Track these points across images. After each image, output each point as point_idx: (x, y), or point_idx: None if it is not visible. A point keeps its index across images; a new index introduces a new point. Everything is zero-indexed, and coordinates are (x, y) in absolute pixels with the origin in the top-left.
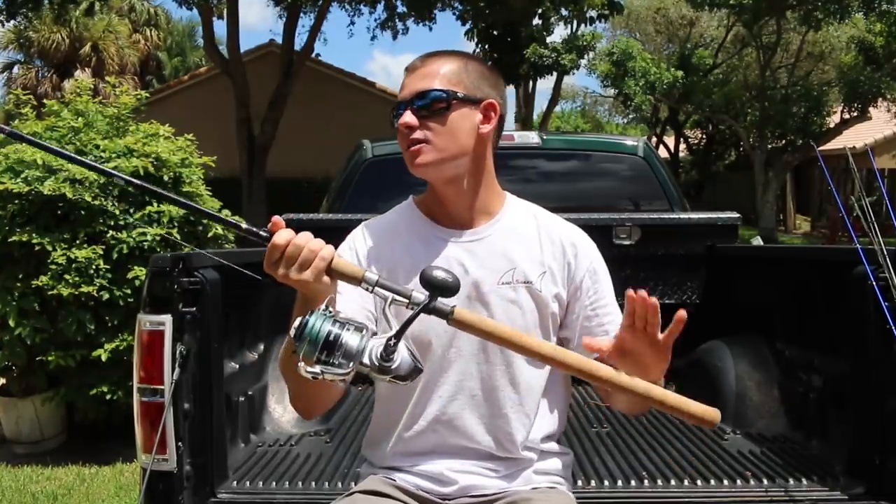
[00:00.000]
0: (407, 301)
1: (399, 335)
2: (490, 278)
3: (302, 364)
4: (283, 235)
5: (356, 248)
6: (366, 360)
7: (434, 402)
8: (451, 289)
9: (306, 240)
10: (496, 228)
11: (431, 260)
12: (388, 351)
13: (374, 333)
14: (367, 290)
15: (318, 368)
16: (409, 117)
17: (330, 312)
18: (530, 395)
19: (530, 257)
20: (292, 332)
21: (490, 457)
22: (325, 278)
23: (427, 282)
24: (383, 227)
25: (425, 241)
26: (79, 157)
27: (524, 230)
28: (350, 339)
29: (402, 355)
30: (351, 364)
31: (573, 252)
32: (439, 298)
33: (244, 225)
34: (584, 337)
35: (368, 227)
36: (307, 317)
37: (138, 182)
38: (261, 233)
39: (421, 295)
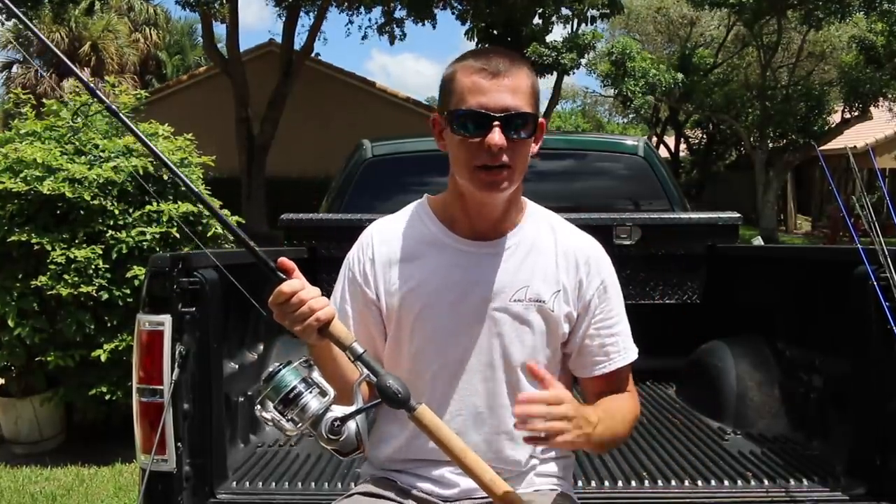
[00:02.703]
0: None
1: (345, 420)
2: (502, 295)
3: (258, 407)
4: (291, 285)
5: (363, 258)
6: (317, 427)
7: (440, 415)
8: (399, 402)
9: (310, 296)
10: (515, 241)
11: (445, 275)
12: (336, 427)
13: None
14: (349, 358)
15: (269, 416)
16: (501, 139)
17: (307, 365)
18: None
19: (545, 275)
20: (265, 374)
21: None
22: (316, 335)
23: (381, 389)
24: (396, 234)
25: (441, 253)
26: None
27: (542, 244)
28: (311, 401)
29: (349, 433)
30: (301, 425)
31: (586, 270)
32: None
33: (264, 255)
34: (529, 362)
35: (381, 234)
36: (282, 367)
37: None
38: (278, 274)
39: (394, 382)
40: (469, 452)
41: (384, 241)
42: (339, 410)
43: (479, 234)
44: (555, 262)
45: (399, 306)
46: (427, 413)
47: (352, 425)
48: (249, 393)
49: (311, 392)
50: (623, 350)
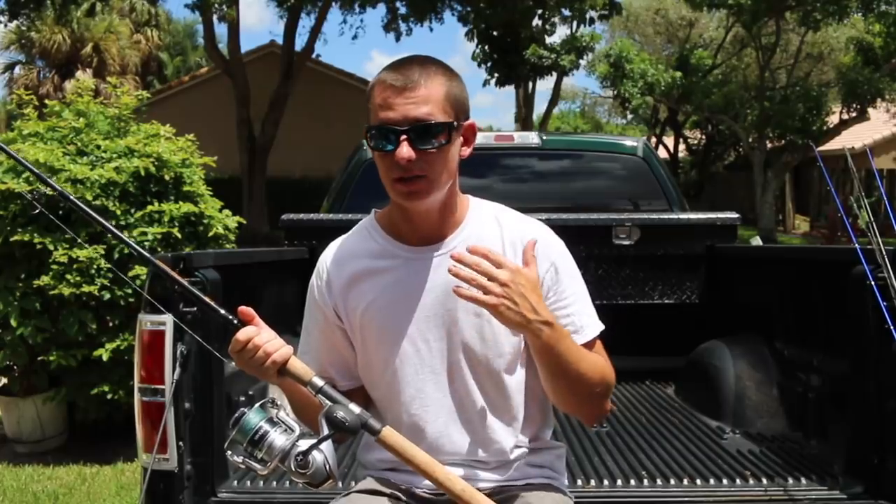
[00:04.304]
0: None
1: (308, 452)
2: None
3: (228, 451)
4: (246, 333)
5: (321, 283)
6: (286, 462)
7: (420, 421)
8: (347, 430)
9: (264, 341)
10: (460, 240)
11: (398, 285)
12: (303, 460)
13: (304, 434)
14: (310, 392)
15: (240, 458)
16: (408, 152)
17: (272, 405)
18: (512, 403)
19: None
20: (231, 419)
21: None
22: (276, 375)
23: (328, 420)
24: (347, 253)
25: (391, 265)
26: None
27: (488, 238)
28: (277, 439)
29: (316, 465)
30: (270, 463)
31: (533, 255)
32: (370, 420)
33: (215, 306)
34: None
35: (334, 255)
36: (247, 410)
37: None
38: (234, 322)
39: (356, 408)
40: (437, 465)
41: (337, 262)
42: (305, 444)
43: (425, 239)
44: (502, 253)
45: (360, 323)
46: (391, 434)
47: (318, 457)
48: (251, 392)
49: (276, 430)
50: (581, 328)
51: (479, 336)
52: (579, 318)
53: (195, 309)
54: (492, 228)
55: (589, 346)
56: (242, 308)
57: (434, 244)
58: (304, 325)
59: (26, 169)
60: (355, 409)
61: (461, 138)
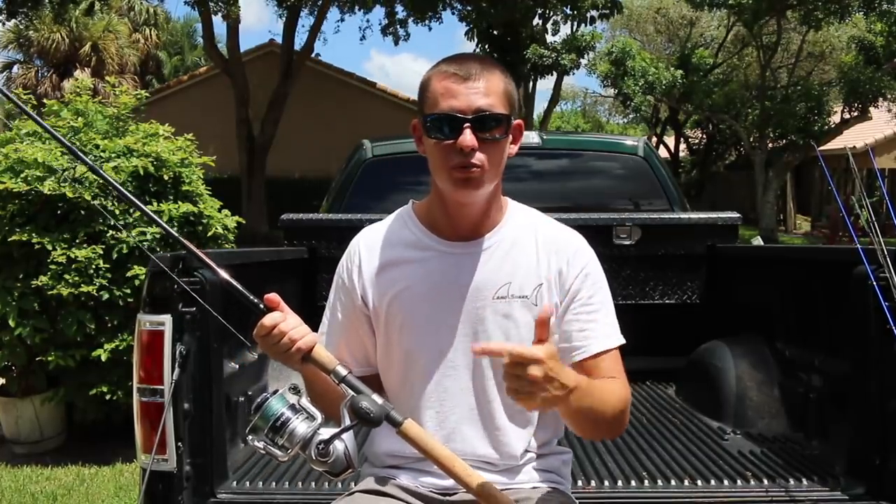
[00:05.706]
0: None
1: (329, 441)
2: (485, 292)
3: (250, 436)
4: (272, 318)
5: (351, 266)
6: (307, 450)
7: (433, 415)
8: (372, 421)
9: (291, 327)
10: (496, 240)
11: (429, 277)
12: (324, 448)
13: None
14: (333, 381)
15: (261, 444)
16: (472, 140)
17: (294, 391)
18: None
19: (527, 270)
20: (254, 404)
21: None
22: (300, 362)
23: (354, 410)
24: (381, 240)
25: (424, 256)
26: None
27: (523, 241)
28: (298, 426)
29: (337, 454)
30: (290, 450)
31: (566, 259)
32: (392, 411)
33: (243, 290)
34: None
35: (367, 241)
36: (269, 396)
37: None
38: (260, 307)
39: (380, 399)
40: (457, 460)
41: (370, 247)
42: (326, 433)
43: (461, 235)
44: (535, 257)
45: (386, 311)
46: (412, 426)
47: (339, 446)
48: (250, 393)
49: (298, 417)
50: (604, 336)
51: (505, 338)
52: (602, 327)
53: (194, 309)
54: (527, 232)
55: (609, 358)
56: (269, 296)
57: (470, 241)
58: (328, 305)
59: (62, 144)
60: (378, 399)
61: (510, 136)
